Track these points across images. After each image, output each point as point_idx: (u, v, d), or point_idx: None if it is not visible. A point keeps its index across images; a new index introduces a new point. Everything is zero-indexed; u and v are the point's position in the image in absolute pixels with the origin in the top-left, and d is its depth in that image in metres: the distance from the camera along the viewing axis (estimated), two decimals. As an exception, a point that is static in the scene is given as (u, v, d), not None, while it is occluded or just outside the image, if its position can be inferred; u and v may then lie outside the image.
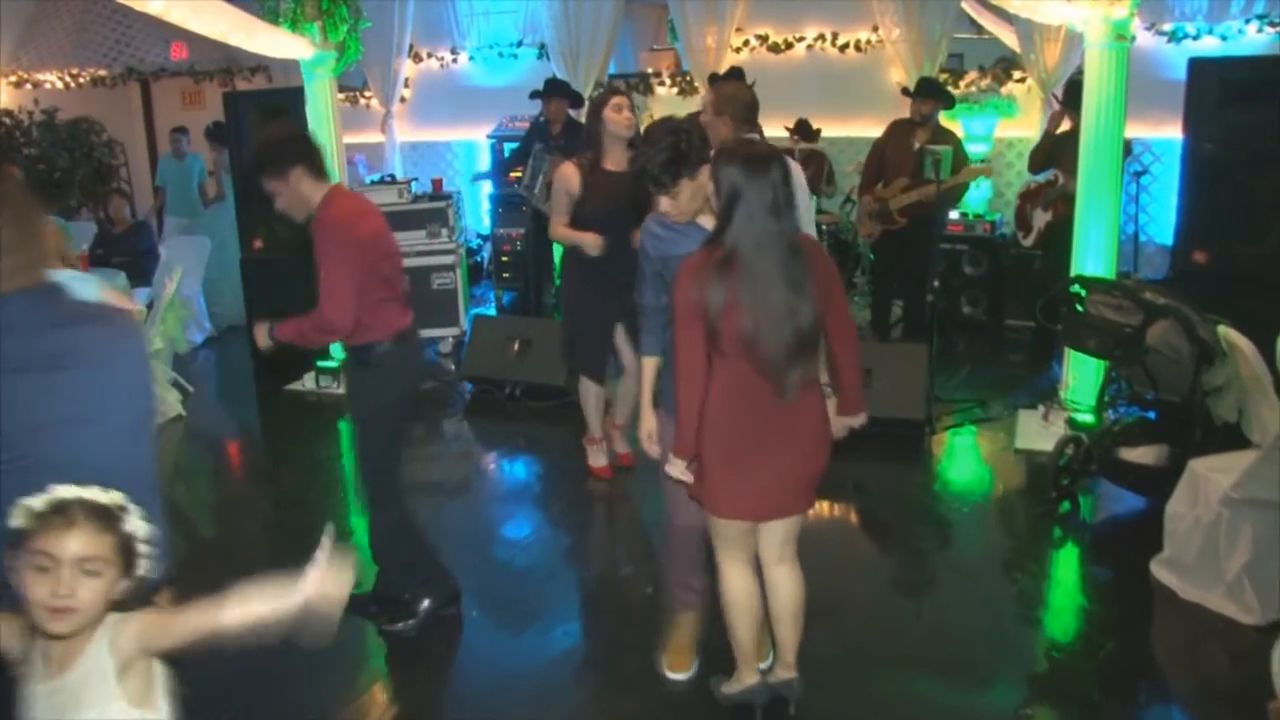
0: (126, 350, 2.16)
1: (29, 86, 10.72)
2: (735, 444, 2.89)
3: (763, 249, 2.72)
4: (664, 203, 3.09)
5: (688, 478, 2.99)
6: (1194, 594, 3.80)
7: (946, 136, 6.65)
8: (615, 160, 4.65)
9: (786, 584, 3.13)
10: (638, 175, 3.09)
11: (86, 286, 2.16)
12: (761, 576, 3.13)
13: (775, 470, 2.91)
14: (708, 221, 3.07)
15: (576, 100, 7.47)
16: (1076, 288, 4.64)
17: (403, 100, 9.94)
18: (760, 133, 4.34)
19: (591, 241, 4.66)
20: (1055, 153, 6.49)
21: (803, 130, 7.87)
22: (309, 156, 3.49)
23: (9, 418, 1.89)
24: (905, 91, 6.70)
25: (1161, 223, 7.76)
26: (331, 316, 3.46)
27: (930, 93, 6.58)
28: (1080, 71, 5.51)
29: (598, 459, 5.23)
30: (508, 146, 8.68)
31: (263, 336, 3.61)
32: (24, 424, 1.91)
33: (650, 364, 3.31)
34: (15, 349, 1.91)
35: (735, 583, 3.10)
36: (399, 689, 3.58)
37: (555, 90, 7.09)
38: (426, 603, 3.83)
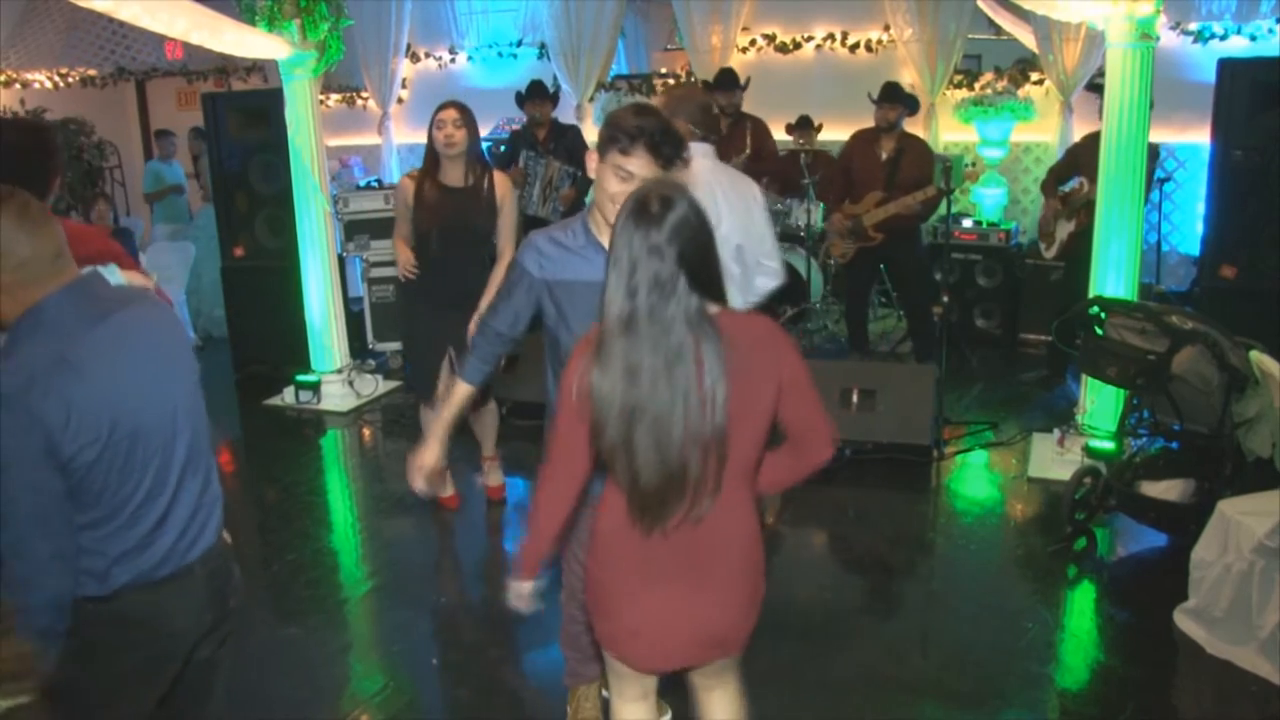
0: (172, 322, 2.28)
1: (18, 86, 10.50)
2: (622, 576, 2.19)
3: (632, 331, 1.98)
4: (610, 173, 2.48)
5: (527, 605, 2.34)
6: (1223, 650, 3.46)
7: (914, 143, 6.34)
8: (452, 176, 4.42)
9: (722, 712, 2.47)
10: (607, 123, 2.50)
11: (111, 274, 2.19)
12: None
13: (677, 617, 2.18)
14: None
15: (557, 101, 7.19)
16: (1095, 309, 4.29)
17: (400, 101, 9.69)
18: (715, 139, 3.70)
19: (402, 260, 4.56)
20: (1081, 157, 6.14)
21: (802, 125, 7.53)
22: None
23: (114, 406, 1.99)
24: (871, 98, 6.42)
25: (1186, 232, 7.43)
26: None
27: (895, 97, 6.25)
28: (1102, 73, 5.18)
29: (444, 489, 4.87)
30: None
31: None
32: (127, 408, 2.02)
33: (463, 391, 2.81)
34: (81, 344, 1.98)
35: None
36: (386, 707, 3.42)
37: (536, 94, 6.81)
38: None
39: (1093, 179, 5.94)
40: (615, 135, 2.46)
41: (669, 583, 2.15)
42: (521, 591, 2.34)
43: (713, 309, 2.05)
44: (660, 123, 2.47)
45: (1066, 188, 6.27)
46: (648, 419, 1.99)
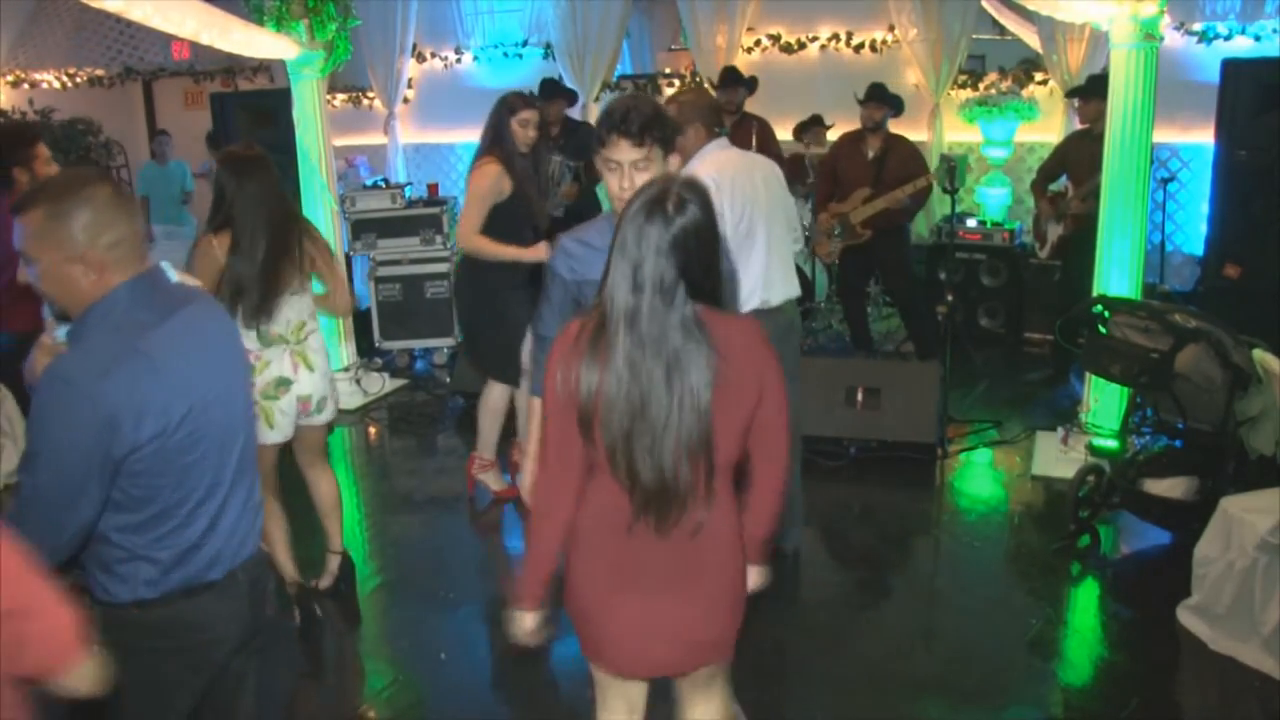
0: (231, 324, 2.28)
1: (26, 86, 10.54)
2: (604, 579, 2.12)
3: (633, 323, 1.94)
4: (604, 169, 2.43)
5: (534, 638, 2.23)
6: (1226, 646, 3.48)
7: (901, 142, 6.37)
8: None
9: None
10: (601, 122, 2.43)
11: (170, 271, 2.14)
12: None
13: (663, 621, 2.12)
14: None
15: (574, 99, 7.20)
16: (1099, 308, 4.31)
17: (406, 101, 9.71)
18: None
19: (541, 253, 4.36)
20: (1068, 154, 6.17)
21: (814, 124, 7.54)
22: None
23: (184, 399, 1.99)
24: (857, 98, 6.45)
25: (1189, 232, 7.43)
26: None
27: (880, 97, 6.28)
28: (1105, 69, 5.20)
29: (497, 482, 5.05)
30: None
31: None
32: (195, 403, 2.01)
33: (538, 405, 2.63)
34: (154, 335, 1.97)
35: None
36: (393, 702, 3.45)
37: (552, 91, 6.82)
38: None
39: (1077, 176, 5.99)
40: (595, 133, 2.45)
41: (654, 587, 2.10)
42: (525, 625, 2.21)
43: (701, 311, 2.00)
44: (626, 104, 2.41)
45: (1057, 186, 6.31)
46: (647, 420, 1.94)
